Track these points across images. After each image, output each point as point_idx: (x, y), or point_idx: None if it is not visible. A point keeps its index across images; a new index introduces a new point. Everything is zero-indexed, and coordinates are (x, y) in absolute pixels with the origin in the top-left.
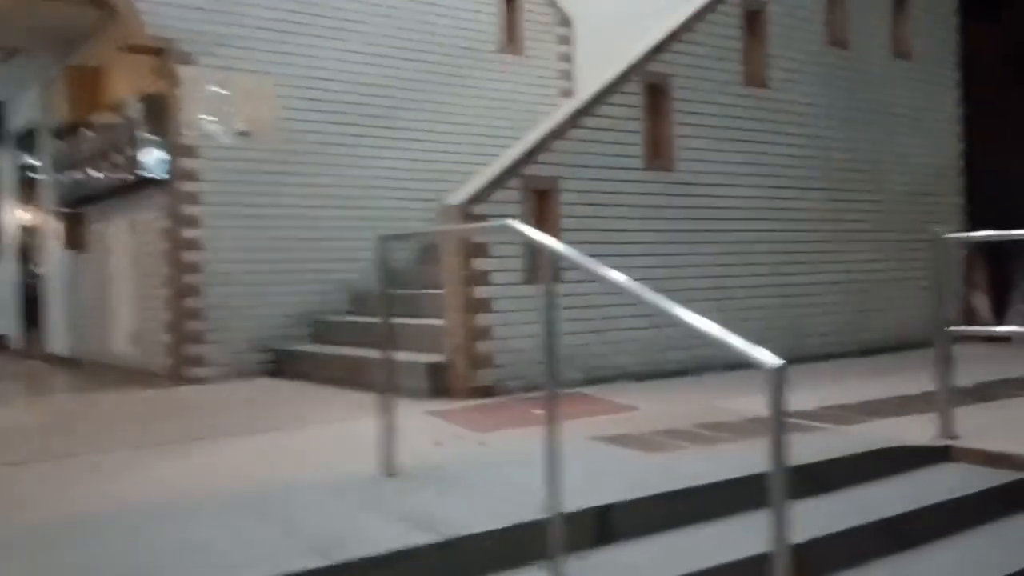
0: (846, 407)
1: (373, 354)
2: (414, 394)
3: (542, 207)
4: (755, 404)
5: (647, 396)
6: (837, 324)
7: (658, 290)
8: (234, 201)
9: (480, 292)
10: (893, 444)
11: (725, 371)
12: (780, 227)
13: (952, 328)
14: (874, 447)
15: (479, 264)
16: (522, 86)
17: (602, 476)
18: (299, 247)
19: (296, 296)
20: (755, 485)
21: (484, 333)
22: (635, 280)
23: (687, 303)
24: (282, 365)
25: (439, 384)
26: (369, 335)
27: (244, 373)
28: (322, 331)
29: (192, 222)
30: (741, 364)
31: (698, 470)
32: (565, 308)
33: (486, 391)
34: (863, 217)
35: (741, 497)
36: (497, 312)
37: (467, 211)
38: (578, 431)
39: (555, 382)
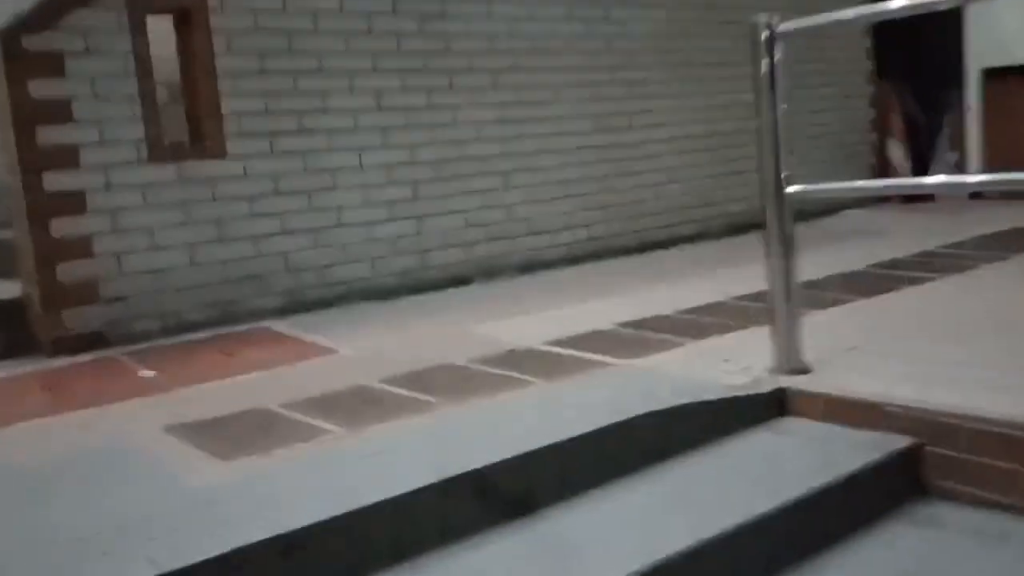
0: (658, 320)
1: None
2: None
3: (184, 40)
4: (527, 329)
5: (372, 327)
6: (689, 196)
7: (411, 162)
8: None
9: (62, 180)
10: (682, 400)
11: (523, 274)
12: (606, 63)
13: (793, 189)
14: (629, 414)
15: (55, 134)
16: None
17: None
18: None
19: None
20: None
21: (78, 248)
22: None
23: (463, 179)
24: None
25: (16, 333)
26: None
27: None
28: None
29: None
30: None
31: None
32: (255, 197)
33: (92, 341)
34: (729, 45)
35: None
36: (100, 213)
37: (18, 46)
38: (167, 408)
39: None
